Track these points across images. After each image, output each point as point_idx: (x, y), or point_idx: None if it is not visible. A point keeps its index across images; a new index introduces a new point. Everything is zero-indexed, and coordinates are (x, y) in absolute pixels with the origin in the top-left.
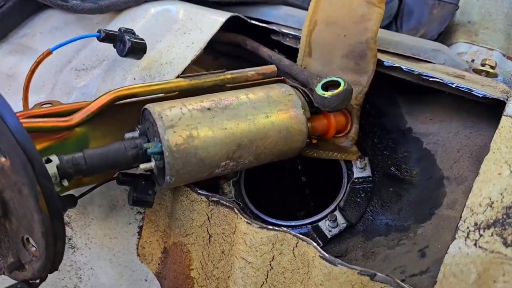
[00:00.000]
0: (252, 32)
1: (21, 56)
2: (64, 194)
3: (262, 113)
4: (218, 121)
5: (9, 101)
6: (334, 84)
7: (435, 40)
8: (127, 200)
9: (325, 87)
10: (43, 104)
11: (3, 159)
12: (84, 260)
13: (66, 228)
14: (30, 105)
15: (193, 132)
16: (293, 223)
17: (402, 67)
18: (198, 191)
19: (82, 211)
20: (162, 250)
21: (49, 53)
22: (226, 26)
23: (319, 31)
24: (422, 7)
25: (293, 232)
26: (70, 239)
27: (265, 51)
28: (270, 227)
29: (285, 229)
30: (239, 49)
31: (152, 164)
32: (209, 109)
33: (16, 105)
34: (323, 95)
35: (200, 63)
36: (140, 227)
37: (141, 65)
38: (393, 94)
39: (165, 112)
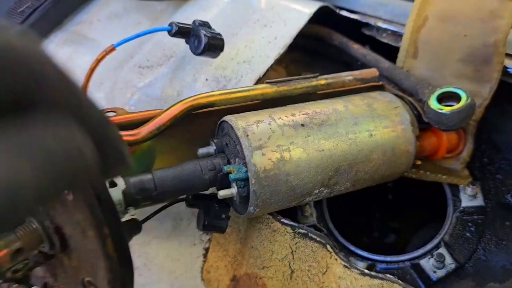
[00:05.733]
0: (337, 24)
1: (77, 46)
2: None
3: (365, 130)
4: (314, 140)
5: None
6: (451, 96)
7: None
8: (194, 220)
9: (439, 99)
10: (105, 112)
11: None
12: (143, 281)
13: None
14: None
15: (285, 154)
16: (388, 258)
17: None
18: (282, 220)
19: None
20: (231, 277)
21: (112, 49)
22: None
23: (430, 28)
24: None
25: (403, 284)
26: None
27: (356, 49)
28: (374, 273)
29: (391, 277)
30: (320, 43)
31: (233, 190)
32: (303, 125)
33: None
34: (439, 110)
35: None
36: (206, 249)
37: (215, 63)
38: (503, 103)
39: (251, 129)
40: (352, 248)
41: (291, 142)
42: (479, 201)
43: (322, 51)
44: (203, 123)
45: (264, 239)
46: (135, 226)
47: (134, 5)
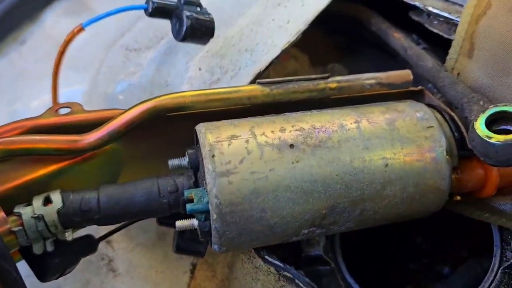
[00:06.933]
0: (386, 4)
1: (76, 18)
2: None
3: (379, 158)
4: (303, 168)
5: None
6: (509, 118)
7: None
8: None
9: (492, 121)
10: (59, 108)
11: None
12: None
13: (107, 246)
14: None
15: (260, 184)
16: None
17: None
18: (266, 256)
19: (124, 232)
20: None
21: (80, 29)
22: None
23: (492, 18)
24: None
25: None
26: (111, 260)
27: (397, 38)
28: None
29: None
30: (362, 28)
31: (194, 223)
32: (292, 145)
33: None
34: (487, 138)
35: (304, 39)
36: (194, 265)
37: (213, 49)
38: None
39: (220, 147)
40: None
41: (271, 169)
42: None
43: (368, 38)
44: (180, 126)
45: (247, 273)
46: (88, 245)
47: None
